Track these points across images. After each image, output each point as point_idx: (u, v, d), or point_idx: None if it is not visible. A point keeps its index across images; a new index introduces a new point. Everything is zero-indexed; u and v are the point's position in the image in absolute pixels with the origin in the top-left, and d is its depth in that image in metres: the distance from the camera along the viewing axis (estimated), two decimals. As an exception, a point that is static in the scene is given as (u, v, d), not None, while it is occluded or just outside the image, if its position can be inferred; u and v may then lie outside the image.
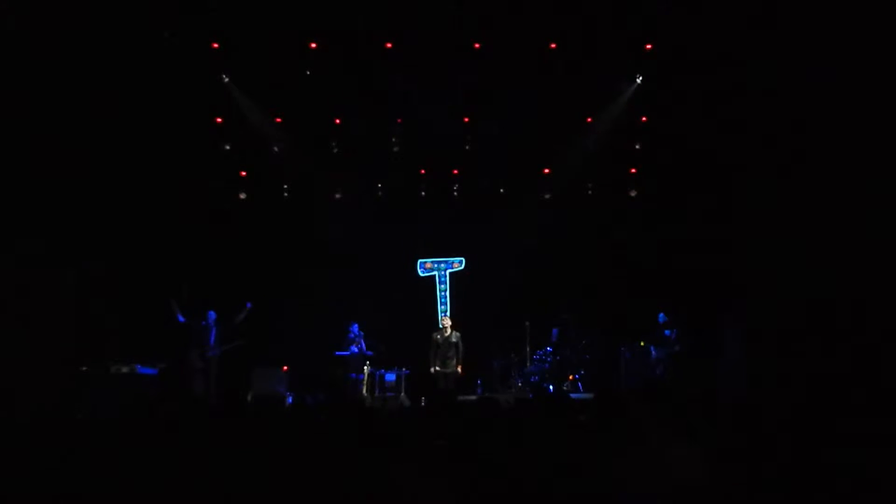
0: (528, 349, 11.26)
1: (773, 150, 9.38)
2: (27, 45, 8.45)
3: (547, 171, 12.18)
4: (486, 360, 11.45)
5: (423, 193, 12.26)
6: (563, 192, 12.22)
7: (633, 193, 12.03)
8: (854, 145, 8.10)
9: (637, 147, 11.60)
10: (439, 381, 10.82)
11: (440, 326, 11.25)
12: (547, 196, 12.42)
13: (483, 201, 12.23)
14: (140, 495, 3.21)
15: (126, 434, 4.01)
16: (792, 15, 8.50)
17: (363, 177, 11.98)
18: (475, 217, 12.38)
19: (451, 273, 12.92)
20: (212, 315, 10.21)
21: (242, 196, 11.75)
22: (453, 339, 11.04)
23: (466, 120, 11.45)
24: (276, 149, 11.50)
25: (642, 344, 11.01)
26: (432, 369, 10.90)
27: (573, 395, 9.34)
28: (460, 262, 12.90)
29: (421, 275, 12.91)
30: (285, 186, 11.99)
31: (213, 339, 10.17)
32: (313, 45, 10.20)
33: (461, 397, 9.61)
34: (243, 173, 11.72)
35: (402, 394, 10.76)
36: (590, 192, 12.18)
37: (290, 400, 9.76)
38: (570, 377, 11.23)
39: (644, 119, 11.40)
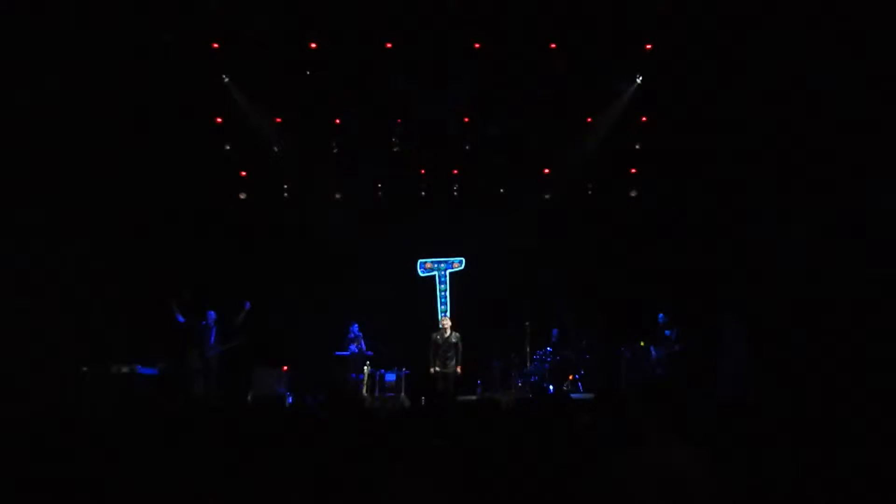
0: (528, 349, 11.26)
1: (773, 149, 9.39)
2: (27, 45, 8.45)
3: (547, 171, 12.18)
4: (486, 361, 11.45)
5: (423, 193, 12.27)
6: (563, 192, 12.23)
7: (633, 193, 12.04)
8: (854, 145, 8.10)
9: (637, 147, 11.60)
10: (438, 382, 10.84)
11: (440, 327, 11.27)
12: (547, 196, 12.43)
13: (483, 201, 12.24)
14: (140, 495, 3.21)
15: (126, 434, 4.01)
16: (792, 15, 8.50)
17: (363, 177, 11.97)
18: (475, 217, 12.38)
19: (450, 273, 12.92)
20: (212, 315, 10.21)
21: (242, 196, 11.75)
22: (453, 340, 11.06)
23: (466, 120, 11.44)
24: (276, 149, 11.49)
25: (642, 344, 11.01)
26: (432, 370, 10.91)
27: (573, 395, 9.34)
28: (460, 262, 12.90)
29: (421, 275, 12.92)
30: (285, 186, 11.99)
31: (213, 339, 10.16)
32: (313, 45, 10.19)
33: (461, 397, 9.64)
34: (243, 173, 11.72)
35: (402, 394, 10.76)
36: (590, 192, 12.19)
37: (290, 400, 9.77)
38: (570, 377, 11.23)
39: (644, 119, 11.39)
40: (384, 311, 12.40)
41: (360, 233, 12.01)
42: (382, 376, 10.96)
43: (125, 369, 9.07)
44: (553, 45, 10.24)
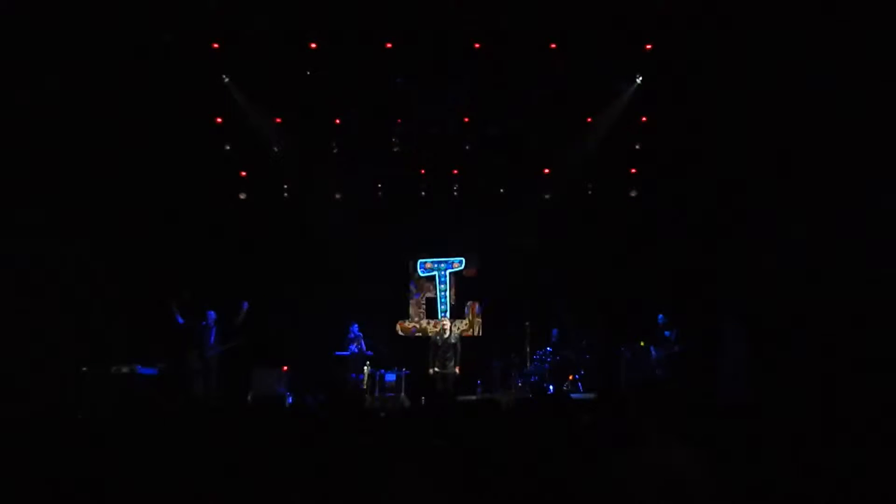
0: (528, 349, 11.26)
1: (774, 149, 9.39)
2: (27, 45, 8.45)
3: (547, 171, 12.19)
4: (486, 361, 11.46)
5: (423, 193, 12.27)
6: (563, 192, 12.23)
7: (633, 193, 12.04)
8: (854, 145, 8.10)
9: (637, 147, 11.60)
10: (438, 383, 10.85)
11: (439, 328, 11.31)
12: (547, 196, 12.44)
13: (483, 201, 12.24)
14: (140, 495, 3.21)
15: (126, 434, 4.01)
16: (792, 15, 8.50)
17: (363, 177, 11.97)
18: (475, 217, 12.39)
19: (450, 273, 12.92)
20: (211, 315, 10.20)
21: (242, 196, 11.75)
22: (452, 341, 11.08)
23: (466, 120, 11.44)
24: (276, 149, 11.49)
25: (642, 344, 11.00)
26: (431, 370, 10.93)
27: (573, 396, 9.34)
28: (460, 262, 12.90)
29: (421, 275, 12.92)
30: (285, 186, 11.99)
31: (212, 339, 10.16)
32: (313, 46, 10.19)
33: (461, 397, 9.64)
34: (243, 173, 11.72)
35: (402, 394, 10.76)
36: (590, 192, 12.19)
37: (290, 400, 9.77)
38: (570, 377, 11.23)
39: (644, 119, 11.39)
40: (384, 312, 12.43)
41: (360, 233, 12.01)
42: (382, 376, 10.96)
43: (125, 369, 9.07)
44: (553, 45, 10.24)
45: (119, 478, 3.27)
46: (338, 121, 11.34)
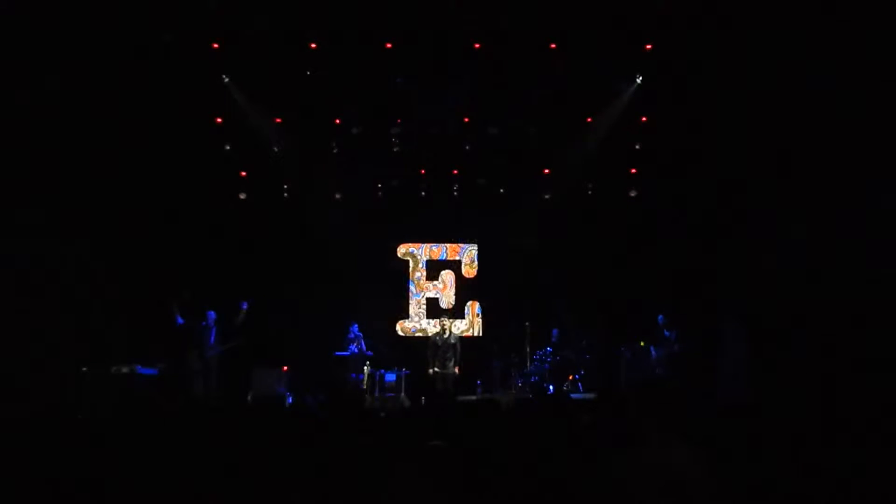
0: (528, 349, 11.27)
1: (774, 149, 9.39)
2: (27, 45, 8.45)
3: (547, 171, 12.19)
4: (486, 361, 11.46)
5: (423, 193, 12.27)
6: (563, 192, 12.23)
7: (633, 193, 12.05)
8: (854, 145, 8.10)
9: (637, 147, 11.60)
10: (437, 383, 10.86)
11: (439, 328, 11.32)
12: (547, 196, 12.44)
13: (483, 201, 12.25)
14: (140, 495, 3.21)
15: (126, 434, 4.01)
16: (792, 15, 8.50)
17: (363, 177, 11.97)
18: (475, 217, 12.40)
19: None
20: (211, 315, 10.20)
21: (242, 196, 11.75)
22: (452, 341, 11.10)
23: (466, 120, 11.44)
24: (276, 149, 11.49)
25: (642, 344, 11.01)
26: (431, 371, 10.94)
27: (573, 396, 9.34)
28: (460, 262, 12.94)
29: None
30: (285, 186, 11.99)
31: (212, 339, 10.16)
32: (313, 46, 10.19)
33: (461, 397, 9.65)
34: (243, 173, 11.72)
35: (402, 394, 10.76)
36: (590, 192, 12.20)
37: (290, 400, 9.76)
38: (570, 377, 11.23)
39: (644, 119, 11.39)
40: (384, 312, 12.43)
41: (360, 233, 12.02)
42: (382, 376, 10.96)
43: (125, 369, 9.06)
44: (553, 45, 10.24)
45: (119, 478, 3.27)
46: (338, 121, 11.33)
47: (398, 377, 10.93)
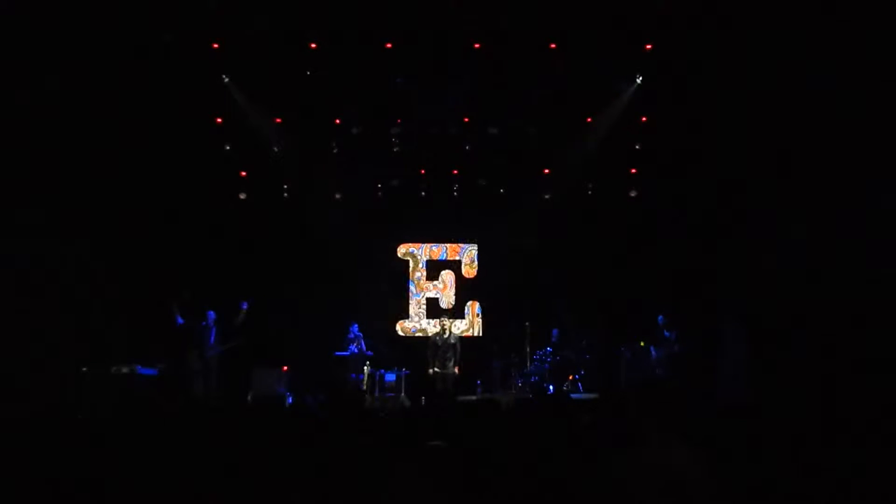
0: (528, 349, 11.26)
1: (774, 149, 9.39)
2: (27, 45, 8.45)
3: (547, 171, 12.19)
4: (486, 361, 11.46)
5: (423, 193, 12.28)
6: (563, 192, 12.23)
7: (633, 193, 12.05)
8: (854, 145, 8.10)
9: (637, 147, 11.60)
10: (437, 383, 10.86)
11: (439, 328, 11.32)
12: (547, 196, 12.44)
13: (483, 201, 12.25)
14: (140, 495, 3.21)
15: (126, 434, 4.01)
16: (792, 15, 8.50)
17: (363, 177, 11.97)
18: (475, 217, 12.40)
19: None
20: (211, 315, 10.20)
21: (242, 196, 11.75)
22: (452, 341, 11.10)
23: (466, 120, 11.44)
24: (276, 149, 11.49)
25: (642, 344, 11.01)
26: (431, 370, 10.94)
27: (573, 396, 9.34)
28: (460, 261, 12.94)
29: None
30: (285, 186, 11.99)
31: (212, 339, 10.16)
32: (313, 46, 10.19)
33: (461, 398, 9.65)
34: (243, 173, 11.72)
35: (402, 394, 10.76)
36: (590, 192, 12.20)
37: (290, 400, 9.76)
38: (570, 377, 11.23)
39: (644, 119, 11.39)
40: (384, 312, 12.43)
41: (360, 233, 12.02)
42: (382, 376, 10.96)
43: (125, 369, 9.06)
44: (553, 45, 10.24)
45: (119, 478, 3.27)
46: (338, 121, 11.33)
47: (398, 377, 10.93)
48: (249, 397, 10.02)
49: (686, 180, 11.25)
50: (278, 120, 11.36)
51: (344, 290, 11.91)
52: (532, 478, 3.12)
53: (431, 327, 12.37)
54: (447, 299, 12.82)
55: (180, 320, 9.95)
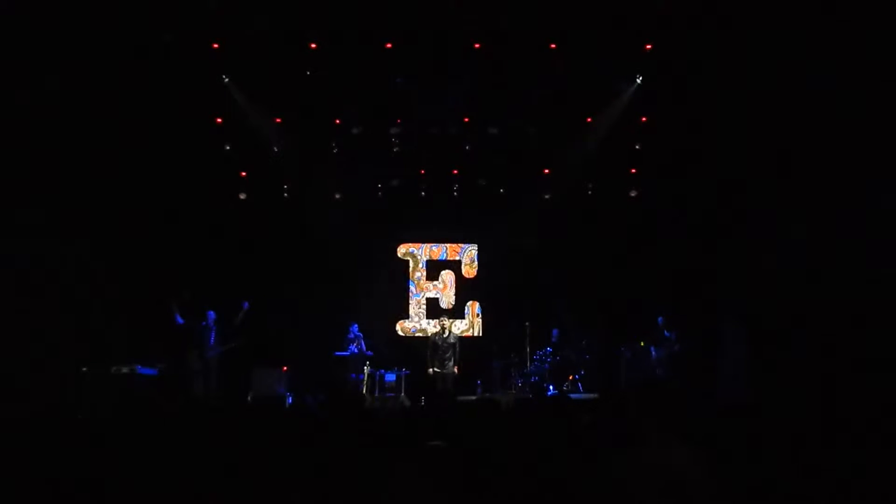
0: (528, 349, 11.27)
1: (774, 149, 9.39)
2: (27, 45, 8.45)
3: (547, 171, 12.19)
4: (486, 361, 11.46)
5: (423, 193, 12.28)
6: (563, 192, 12.23)
7: (633, 193, 12.05)
8: (854, 145, 8.10)
9: (637, 147, 11.60)
10: (437, 383, 10.86)
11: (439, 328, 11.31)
12: (547, 196, 12.44)
13: (483, 201, 12.25)
14: (140, 495, 3.21)
15: (126, 434, 4.01)
16: (792, 15, 8.50)
17: (363, 177, 11.97)
18: (475, 217, 12.40)
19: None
20: (211, 315, 10.20)
21: (242, 196, 11.75)
22: (451, 341, 11.10)
23: (466, 120, 11.44)
24: (276, 149, 11.49)
25: (642, 344, 11.01)
26: (430, 370, 10.93)
27: (573, 396, 9.34)
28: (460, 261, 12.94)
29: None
30: (285, 186, 11.99)
31: (212, 339, 10.16)
32: (313, 46, 10.19)
33: (461, 398, 9.64)
34: (243, 173, 11.72)
35: (402, 394, 10.76)
36: (590, 192, 12.20)
37: (290, 400, 9.77)
38: (570, 377, 11.24)
39: (644, 119, 11.39)
40: (384, 312, 12.44)
41: (360, 233, 12.02)
42: (382, 376, 10.97)
43: (125, 369, 9.06)
44: (553, 45, 10.24)
45: (119, 478, 3.27)
46: (338, 121, 11.33)
47: (398, 377, 10.93)
48: (249, 397, 10.02)
49: (686, 180, 11.25)
50: (278, 120, 11.36)
51: (344, 290, 11.91)
52: (532, 478, 3.12)
53: (431, 327, 12.38)
54: (447, 299, 12.82)
55: (180, 320, 9.95)
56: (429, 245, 12.97)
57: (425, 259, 12.95)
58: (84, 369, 8.98)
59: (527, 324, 11.29)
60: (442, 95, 11.00)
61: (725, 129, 10.16)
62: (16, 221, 8.74)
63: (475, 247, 12.97)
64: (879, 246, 7.74)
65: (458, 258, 12.98)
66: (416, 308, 12.84)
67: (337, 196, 12.19)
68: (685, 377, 10.12)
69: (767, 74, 9.16)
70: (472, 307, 12.83)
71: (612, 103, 11.28)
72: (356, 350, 11.10)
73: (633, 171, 11.92)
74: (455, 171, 12.15)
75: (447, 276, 12.90)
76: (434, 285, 12.87)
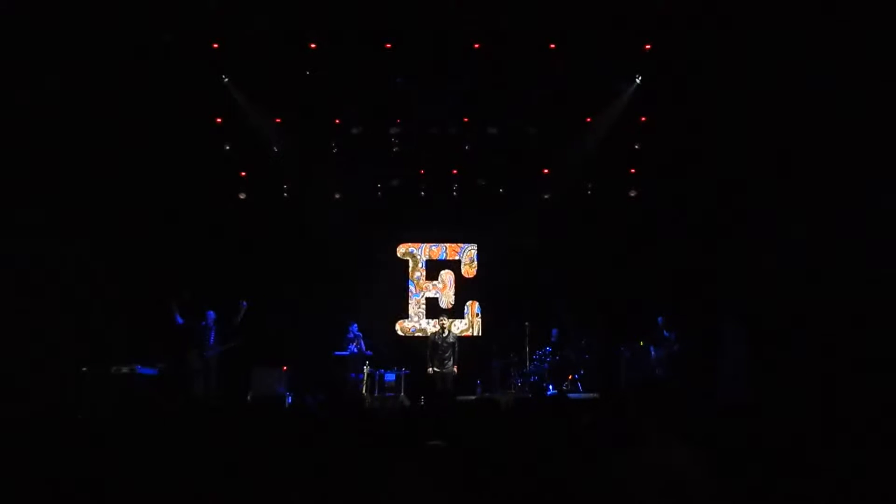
0: (527, 349, 11.26)
1: (774, 149, 9.39)
2: (27, 45, 8.45)
3: (547, 171, 12.19)
4: (486, 361, 11.46)
5: (423, 193, 12.28)
6: (563, 192, 12.23)
7: (633, 193, 12.05)
8: (854, 145, 8.10)
9: (637, 147, 11.60)
10: (437, 382, 10.86)
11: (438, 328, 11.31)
12: (547, 196, 12.44)
13: (483, 201, 12.25)
14: (140, 495, 3.21)
15: (126, 434, 4.01)
16: (792, 15, 8.50)
17: (363, 177, 11.97)
18: (475, 217, 12.41)
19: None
20: (211, 315, 10.19)
21: (242, 196, 11.75)
22: (451, 340, 11.10)
23: (466, 120, 11.44)
24: (275, 149, 11.49)
25: (642, 344, 11.01)
26: (430, 370, 10.93)
27: (573, 395, 9.34)
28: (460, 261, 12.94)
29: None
30: (285, 186, 11.99)
31: (212, 339, 10.15)
32: (313, 46, 10.19)
33: (461, 397, 9.64)
34: (243, 173, 11.72)
35: (402, 394, 10.76)
36: (590, 192, 12.20)
37: (289, 400, 9.76)
38: (570, 377, 11.23)
39: (644, 119, 11.39)
40: (384, 312, 12.44)
41: (360, 233, 12.03)
42: (382, 376, 10.97)
43: (125, 369, 9.06)
44: (553, 45, 10.24)
45: (119, 478, 3.27)
46: (338, 121, 11.33)
47: (398, 377, 10.93)
48: (249, 397, 10.02)
49: (686, 180, 11.25)
50: (278, 120, 11.36)
51: (344, 290, 11.91)
52: (532, 478, 3.12)
53: (431, 327, 12.38)
54: (447, 299, 12.83)
55: (180, 320, 9.94)
56: (428, 245, 12.97)
57: (425, 259, 12.95)
58: (84, 369, 8.97)
59: (526, 324, 11.29)
60: (442, 95, 11.00)
61: (725, 129, 10.16)
62: (16, 221, 8.74)
63: (475, 246, 12.98)
64: (879, 246, 7.74)
65: (457, 258, 12.98)
66: (415, 308, 12.84)
67: (337, 196, 12.19)
68: (685, 377, 10.12)
69: (767, 74, 9.16)
70: (472, 307, 12.83)
71: (611, 103, 11.28)
72: (356, 350, 11.10)
73: (633, 171, 11.92)
74: (455, 171, 12.15)
75: (447, 275, 12.91)
76: (433, 285, 12.87)
